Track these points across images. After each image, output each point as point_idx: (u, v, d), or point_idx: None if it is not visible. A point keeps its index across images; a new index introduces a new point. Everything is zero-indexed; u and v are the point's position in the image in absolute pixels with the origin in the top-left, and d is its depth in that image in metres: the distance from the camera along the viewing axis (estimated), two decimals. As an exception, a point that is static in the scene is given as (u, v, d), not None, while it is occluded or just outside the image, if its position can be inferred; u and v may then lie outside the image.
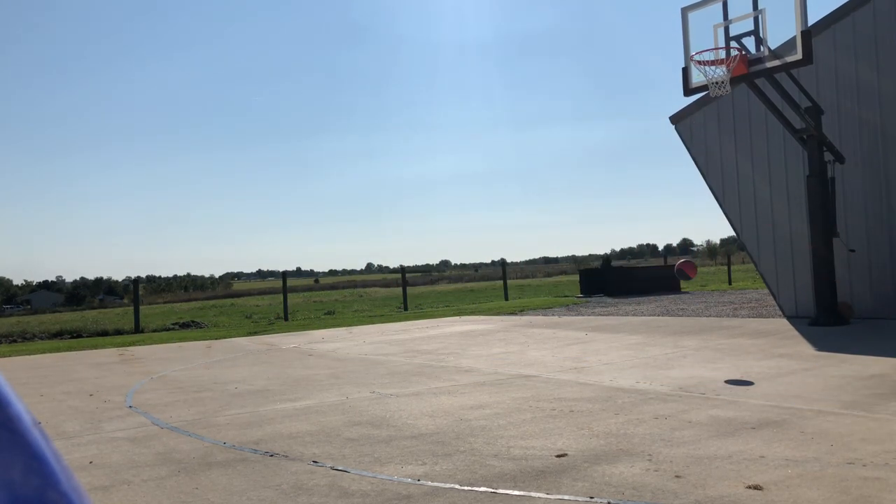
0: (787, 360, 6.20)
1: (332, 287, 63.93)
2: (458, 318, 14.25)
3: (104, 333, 14.71)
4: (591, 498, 2.78)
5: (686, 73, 9.04)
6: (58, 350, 11.16)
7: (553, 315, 13.47)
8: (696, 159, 11.41)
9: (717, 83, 8.50)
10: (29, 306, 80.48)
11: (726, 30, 8.66)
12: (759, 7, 8.35)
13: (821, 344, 7.16)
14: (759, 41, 8.45)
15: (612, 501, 2.73)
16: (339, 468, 3.40)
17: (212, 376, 7.10)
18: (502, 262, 25.24)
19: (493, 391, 5.36)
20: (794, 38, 8.12)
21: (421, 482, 3.11)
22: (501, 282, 22.98)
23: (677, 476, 3.00)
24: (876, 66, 9.23)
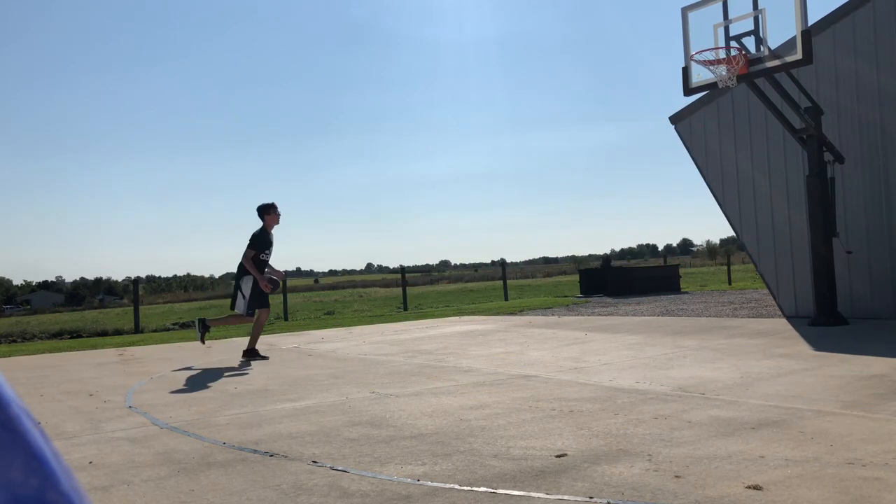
0: (786, 360, 6.20)
1: (332, 287, 63.92)
2: (457, 318, 14.24)
3: (104, 333, 14.70)
4: (591, 498, 2.78)
5: (686, 72, 9.05)
6: (58, 350, 11.15)
7: (553, 315, 13.47)
8: (695, 159, 11.40)
9: (722, 79, 8.52)
10: (29, 306, 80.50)
11: (726, 29, 8.67)
12: (759, 7, 8.36)
13: (820, 344, 7.16)
14: (759, 41, 8.46)
15: (611, 501, 2.73)
16: (339, 468, 3.40)
17: (212, 376, 7.10)
18: (502, 262, 25.22)
19: (492, 391, 5.36)
20: (794, 38, 8.13)
21: (421, 482, 3.11)
22: (501, 282, 22.98)
23: (677, 476, 3.00)
24: (876, 65, 9.23)
